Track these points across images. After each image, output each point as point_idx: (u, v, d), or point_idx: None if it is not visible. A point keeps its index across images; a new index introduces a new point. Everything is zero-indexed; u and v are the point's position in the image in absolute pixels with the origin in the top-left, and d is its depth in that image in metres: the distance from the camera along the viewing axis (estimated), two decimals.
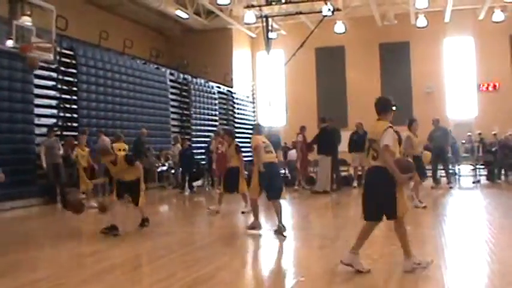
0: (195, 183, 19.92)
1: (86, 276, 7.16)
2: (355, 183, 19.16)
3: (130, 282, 6.61)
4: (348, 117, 33.01)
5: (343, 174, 19.28)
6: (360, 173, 19.35)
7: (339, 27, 33.54)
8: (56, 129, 16.92)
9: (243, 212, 12.73)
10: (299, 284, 6.40)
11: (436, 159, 17.29)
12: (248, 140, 33.85)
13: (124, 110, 21.35)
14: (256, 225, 10.30)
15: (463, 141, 27.00)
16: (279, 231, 9.69)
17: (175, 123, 25.80)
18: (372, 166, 6.86)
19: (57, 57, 17.77)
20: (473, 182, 19.35)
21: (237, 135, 31.02)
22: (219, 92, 31.12)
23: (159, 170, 21.60)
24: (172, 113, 25.55)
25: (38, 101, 17.20)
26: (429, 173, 16.82)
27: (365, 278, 6.57)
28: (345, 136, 19.46)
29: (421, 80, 34.01)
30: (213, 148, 18.47)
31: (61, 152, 15.90)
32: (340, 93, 35.53)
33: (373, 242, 9.35)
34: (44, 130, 17.06)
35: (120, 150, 15.19)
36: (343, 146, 18.99)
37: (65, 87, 18.46)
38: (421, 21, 32.51)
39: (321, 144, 17.54)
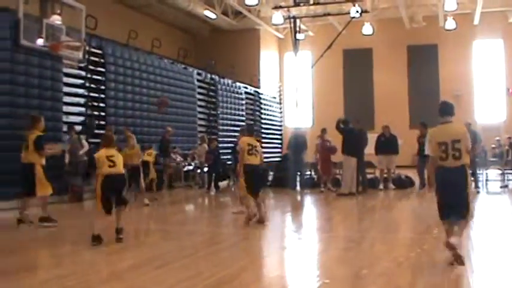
0: (220, 183, 19.92)
1: (110, 274, 7.17)
2: (381, 186, 19.00)
3: (154, 281, 6.58)
4: (374, 119, 32.83)
5: (369, 176, 19.12)
6: (386, 175, 19.20)
7: (367, 29, 33.33)
8: (77, 127, 17.02)
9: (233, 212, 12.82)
10: (324, 286, 6.32)
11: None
12: (274, 140, 34.00)
13: (151, 109, 21.43)
14: (250, 215, 11.13)
15: (493, 146, 26.65)
16: (260, 221, 11.03)
17: (202, 123, 25.86)
18: (455, 166, 7.12)
19: (86, 56, 17.91)
20: (501, 187, 19.06)
21: (263, 136, 31.26)
22: (246, 93, 31.14)
23: (185, 169, 21.64)
24: (199, 112, 25.61)
25: (66, 99, 17.36)
26: None
27: (390, 281, 6.47)
28: (372, 138, 19.33)
29: (449, 83, 33.66)
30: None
31: (84, 149, 16.05)
32: (367, 95, 35.36)
33: (399, 245, 9.27)
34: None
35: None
36: (369, 148, 18.85)
37: (93, 85, 18.63)
38: (450, 24, 32.16)
39: (345, 145, 17.42)
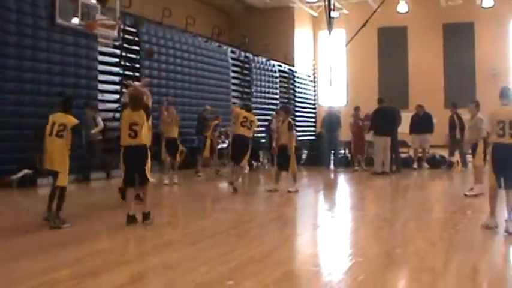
0: (254, 161, 19.97)
1: (145, 249, 7.28)
2: (415, 165, 18.87)
3: (187, 257, 6.66)
4: (409, 98, 32.49)
5: (403, 155, 19.00)
6: (420, 154, 19.05)
7: (402, 6, 32.83)
8: (92, 104, 16.72)
9: (288, 191, 12.74)
10: (356, 265, 6.33)
11: None
12: (308, 119, 33.89)
13: (186, 87, 21.52)
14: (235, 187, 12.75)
15: None
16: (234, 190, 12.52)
17: (236, 101, 25.84)
18: (510, 142, 7.83)
19: (121, 35, 18.01)
20: None
21: (297, 113, 31.20)
22: (280, 71, 31.03)
23: (219, 147, 21.70)
24: (233, 91, 25.60)
25: (101, 77, 17.52)
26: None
27: (424, 261, 6.46)
28: (406, 117, 19.18)
29: (486, 62, 33.07)
30: (274, 127, 18.43)
31: (98, 128, 15.89)
32: (401, 74, 34.95)
33: (433, 224, 9.23)
34: (107, 106, 17.42)
35: None
36: (403, 128, 18.72)
37: (127, 64, 18.73)
38: (487, 1, 31.50)
39: (376, 125, 17.32)
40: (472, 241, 7.59)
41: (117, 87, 18.24)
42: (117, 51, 18.37)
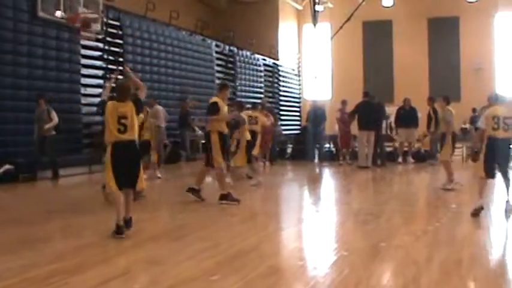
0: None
1: (129, 244, 7.24)
2: (400, 159, 18.97)
3: (171, 252, 6.65)
4: (394, 92, 32.60)
5: (388, 149, 19.09)
6: (406, 149, 19.14)
7: (387, 0, 32.92)
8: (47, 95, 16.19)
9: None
10: (342, 259, 6.36)
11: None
12: (292, 113, 33.88)
13: (169, 81, 21.46)
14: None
15: None
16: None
17: None
18: (504, 136, 8.86)
19: (104, 28, 17.91)
20: None
21: (282, 108, 31.22)
22: (265, 65, 31.03)
23: (202, 141, 21.65)
24: (218, 85, 25.52)
25: (84, 71, 17.41)
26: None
27: (408, 255, 6.50)
28: (391, 111, 19.26)
29: (471, 56, 33.21)
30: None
31: (52, 123, 14.63)
32: (387, 68, 35.04)
33: (418, 218, 9.30)
34: (90, 100, 17.29)
35: None
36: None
37: (111, 57, 18.63)
38: None
39: (360, 119, 17.41)
40: (457, 235, 7.65)
41: (100, 81, 18.13)
42: (100, 45, 18.26)
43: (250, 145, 13.10)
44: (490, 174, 9.07)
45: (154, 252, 6.71)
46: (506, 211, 8.95)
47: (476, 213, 8.72)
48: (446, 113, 12.34)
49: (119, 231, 7.45)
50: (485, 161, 8.96)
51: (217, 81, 25.32)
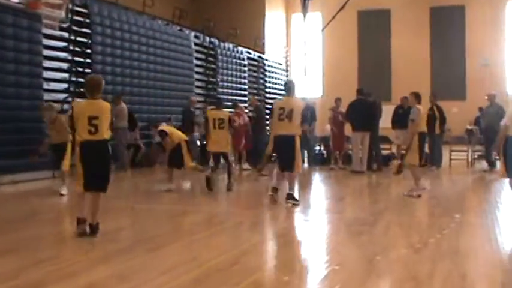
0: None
1: (96, 258, 7.19)
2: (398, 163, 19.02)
3: (144, 266, 6.62)
4: (392, 89, 32.76)
5: (384, 152, 19.13)
6: (404, 151, 19.17)
7: None
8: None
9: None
10: (333, 274, 6.35)
11: (486, 140, 17.10)
12: None
13: (143, 76, 21.37)
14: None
15: None
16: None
17: (200, 91, 25.77)
18: None
19: (69, 16, 17.80)
20: None
21: (268, 106, 31.19)
22: (249, 58, 31.04)
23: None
24: (197, 80, 25.51)
25: (47, 63, 17.25)
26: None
27: (407, 269, 6.50)
28: (388, 111, 19.27)
29: (477, 50, 33.41)
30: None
31: None
32: (384, 63, 35.21)
33: (417, 229, 9.31)
34: (54, 96, 17.16)
35: None
36: (385, 122, 18.82)
37: (77, 49, 18.51)
38: None
39: (354, 119, 17.45)
40: (461, 247, 7.66)
41: (66, 75, 18.03)
42: (65, 35, 18.14)
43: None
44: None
45: (124, 266, 6.66)
46: None
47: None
48: (413, 111, 12.47)
49: (79, 222, 8.04)
50: (503, 162, 9.89)
51: (196, 76, 25.31)
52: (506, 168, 9.81)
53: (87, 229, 8.10)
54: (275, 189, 11.43)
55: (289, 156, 11.12)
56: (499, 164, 12.35)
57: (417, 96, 12.78)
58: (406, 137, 12.78)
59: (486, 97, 18.43)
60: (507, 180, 10.22)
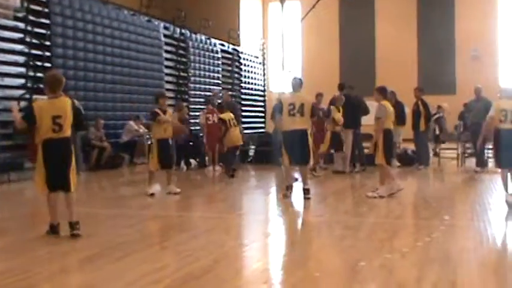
0: (192, 159, 19.95)
1: (60, 268, 7.16)
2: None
3: (111, 276, 6.60)
4: (376, 83, 32.85)
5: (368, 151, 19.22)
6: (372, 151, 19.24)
7: None
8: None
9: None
10: (314, 281, 6.37)
11: (474, 137, 17.13)
12: (256, 108, 33.91)
13: (107, 71, 21.28)
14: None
15: None
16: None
17: (170, 87, 25.68)
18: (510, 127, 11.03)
19: (25, 4, 17.66)
20: None
21: (244, 102, 31.23)
22: (223, 51, 31.01)
23: (149, 142, 21.51)
24: (167, 74, 25.44)
25: (1, 56, 17.10)
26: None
27: (393, 276, 6.54)
28: (372, 106, 19.33)
29: (467, 40, 33.61)
30: (202, 120, 18.51)
31: None
32: (367, 56, 35.33)
33: (404, 232, 9.36)
34: (9, 92, 17.00)
35: None
36: (369, 119, 18.88)
37: (35, 41, 18.37)
38: None
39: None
40: (451, 251, 7.71)
41: (21, 69, 17.87)
42: (21, 25, 17.98)
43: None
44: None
45: (89, 277, 6.64)
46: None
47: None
48: (380, 108, 12.58)
49: (53, 231, 8.43)
50: (495, 153, 11.51)
51: (166, 71, 25.24)
52: (499, 160, 11.20)
53: (72, 231, 8.41)
54: (291, 187, 12.67)
55: (304, 150, 12.31)
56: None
57: (381, 92, 12.92)
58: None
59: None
60: (499, 178, 11.05)
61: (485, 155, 17.85)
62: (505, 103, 11.37)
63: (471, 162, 18.66)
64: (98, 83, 20.59)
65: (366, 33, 35.39)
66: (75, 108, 8.61)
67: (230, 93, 23.47)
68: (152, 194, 12.89)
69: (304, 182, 12.47)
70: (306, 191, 12.30)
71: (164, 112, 13.12)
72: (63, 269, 7.11)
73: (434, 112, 22.10)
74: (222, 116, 16.93)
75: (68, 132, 8.43)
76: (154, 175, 13.25)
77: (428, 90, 21.09)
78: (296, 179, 13.44)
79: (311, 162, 13.03)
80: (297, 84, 12.77)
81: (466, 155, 20.00)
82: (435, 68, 33.62)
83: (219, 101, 20.28)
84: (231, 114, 16.95)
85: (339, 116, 16.71)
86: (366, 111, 18.31)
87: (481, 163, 17.46)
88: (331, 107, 16.50)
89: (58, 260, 7.47)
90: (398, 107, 19.38)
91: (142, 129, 21.20)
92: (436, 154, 21.07)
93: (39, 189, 8.54)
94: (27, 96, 17.26)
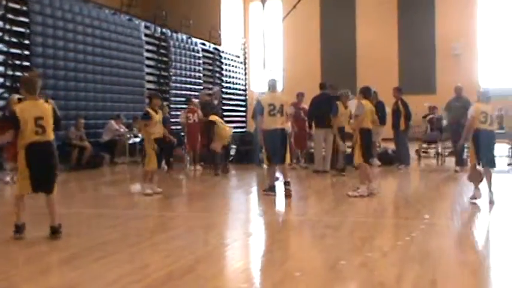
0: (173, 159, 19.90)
1: (38, 269, 7.10)
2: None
3: (90, 276, 6.57)
4: (357, 83, 32.93)
5: (349, 150, 19.24)
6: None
7: None
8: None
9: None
10: (294, 280, 6.37)
11: (454, 136, 17.16)
12: (237, 107, 33.88)
13: (89, 70, 21.20)
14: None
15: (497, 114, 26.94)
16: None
17: (151, 86, 25.65)
18: (491, 129, 11.64)
19: (4, 2, 17.54)
20: (509, 164, 19.27)
21: (225, 101, 31.21)
22: (204, 50, 30.99)
23: (130, 141, 21.48)
24: (148, 74, 25.40)
25: None
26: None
27: (373, 275, 6.56)
28: (353, 106, 19.37)
29: (448, 39, 33.75)
30: (183, 119, 18.51)
31: None
32: (348, 55, 35.40)
33: (385, 231, 9.39)
34: None
35: None
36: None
37: (14, 39, 18.27)
38: None
39: (316, 115, 17.52)
40: (431, 250, 7.74)
41: (1, 68, 17.76)
42: (0, 23, 17.91)
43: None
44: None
45: (69, 277, 6.61)
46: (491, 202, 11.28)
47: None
48: (358, 106, 12.71)
49: (18, 231, 8.37)
50: (475, 152, 11.52)
51: (147, 70, 25.19)
52: (478, 158, 11.45)
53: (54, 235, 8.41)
54: (274, 187, 12.96)
55: (284, 149, 12.82)
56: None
57: (362, 91, 13.10)
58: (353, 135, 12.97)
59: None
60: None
61: (465, 154, 17.92)
62: (484, 106, 11.71)
63: (451, 161, 18.74)
64: (78, 82, 20.51)
65: (347, 32, 35.46)
66: (54, 111, 8.58)
67: (208, 92, 23.35)
68: (149, 194, 12.86)
69: (285, 176, 12.93)
70: (286, 183, 12.74)
71: (156, 112, 13.06)
72: (42, 269, 7.06)
73: (427, 113, 22.18)
74: (211, 118, 17.26)
75: (51, 135, 8.47)
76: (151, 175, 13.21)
77: (409, 89, 21.21)
78: (277, 178, 13.45)
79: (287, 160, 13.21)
80: (274, 85, 13.30)
81: (446, 153, 20.08)
82: (416, 67, 33.73)
83: (215, 101, 20.43)
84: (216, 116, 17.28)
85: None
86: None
87: (461, 162, 17.51)
88: (337, 102, 16.47)
89: (37, 260, 7.42)
90: (379, 106, 19.47)
91: (123, 129, 21.18)
92: (418, 154, 21.08)
93: (22, 189, 8.48)
94: (6, 95, 17.15)
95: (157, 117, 13.03)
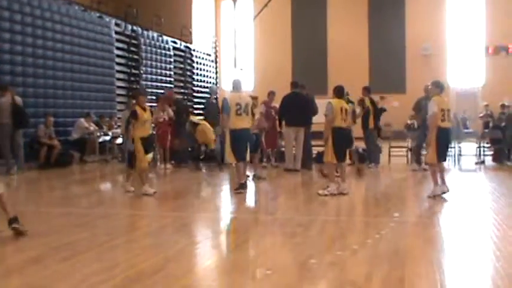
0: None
1: (5, 268, 7.05)
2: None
3: (58, 276, 6.50)
4: (328, 82, 33.05)
5: (320, 149, 19.29)
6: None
7: None
8: None
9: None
10: (264, 279, 6.37)
11: (423, 135, 17.23)
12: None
13: (58, 67, 21.03)
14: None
15: (480, 115, 27.21)
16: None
17: (122, 84, 25.53)
18: (450, 126, 12.25)
19: None
20: (476, 163, 19.44)
21: (196, 100, 31.16)
22: (175, 48, 30.91)
23: (100, 140, 21.37)
24: (118, 71, 25.28)
25: None
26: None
27: (342, 273, 6.57)
28: (323, 105, 19.41)
29: (418, 40, 34.07)
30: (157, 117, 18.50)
31: None
32: (319, 54, 35.51)
33: (354, 230, 9.42)
34: None
35: None
36: (320, 117, 18.96)
37: None
38: None
39: (287, 114, 17.55)
40: (400, 248, 7.78)
41: None
42: None
43: None
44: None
45: (35, 278, 6.52)
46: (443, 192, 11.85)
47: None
48: (327, 106, 12.85)
49: None
50: (436, 149, 11.80)
51: (118, 68, 25.06)
52: (438, 155, 11.81)
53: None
54: (244, 185, 13.20)
55: (248, 147, 13.30)
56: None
57: (334, 91, 13.20)
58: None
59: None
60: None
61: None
62: (442, 103, 11.98)
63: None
64: (47, 79, 20.34)
65: (318, 32, 35.57)
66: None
67: (183, 90, 23.25)
68: (153, 193, 12.78)
69: (256, 170, 14.81)
70: (257, 176, 13.89)
71: (144, 110, 12.90)
72: (6, 270, 6.98)
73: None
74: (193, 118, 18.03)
75: None
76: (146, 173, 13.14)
77: (379, 89, 21.27)
78: (248, 176, 13.49)
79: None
80: (239, 85, 13.83)
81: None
82: (386, 67, 33.94)
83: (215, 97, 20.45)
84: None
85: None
86: (315, 111, 18.37)
87: (419, 160, 17.59)
88: (330, 101, 16.49)
89: (2, 260, 7.35)
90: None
91: (93, 127, 21.05)
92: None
93: None
94: None
95: (146, 115, 12.87)
